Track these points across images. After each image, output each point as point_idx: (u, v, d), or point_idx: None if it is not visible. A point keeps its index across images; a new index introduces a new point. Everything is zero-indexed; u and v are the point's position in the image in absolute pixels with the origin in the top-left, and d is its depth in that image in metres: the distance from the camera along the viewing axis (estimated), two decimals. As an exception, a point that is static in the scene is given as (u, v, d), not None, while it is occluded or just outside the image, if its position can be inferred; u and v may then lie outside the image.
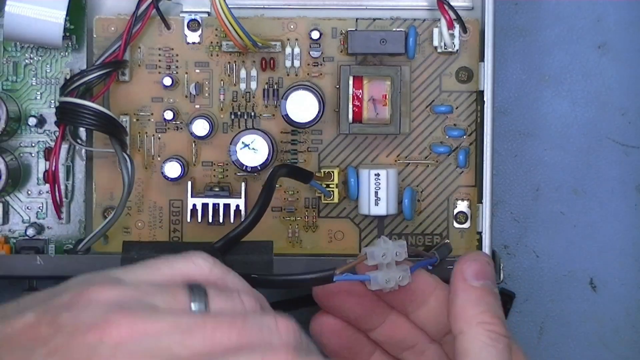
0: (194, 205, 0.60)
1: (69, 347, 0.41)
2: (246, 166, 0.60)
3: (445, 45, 0.60)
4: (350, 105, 0.59)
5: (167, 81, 0.61)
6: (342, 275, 0.52)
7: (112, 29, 0.61)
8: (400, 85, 0.60)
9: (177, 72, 0.61)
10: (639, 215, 0.67)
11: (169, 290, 0.44)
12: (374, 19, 0.61)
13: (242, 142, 0.60)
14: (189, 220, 0.61)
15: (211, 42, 0.61)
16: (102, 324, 0.41)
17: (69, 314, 0.42)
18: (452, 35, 0.60)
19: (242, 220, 0.56)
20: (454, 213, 0.61)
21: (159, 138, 0.61)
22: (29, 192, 0.62)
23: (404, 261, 0.53)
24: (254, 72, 0.61)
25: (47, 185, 0.61)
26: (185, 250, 0.57)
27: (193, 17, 0.61)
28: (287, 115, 0.59)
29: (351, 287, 0.55)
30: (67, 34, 0.60)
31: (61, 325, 0.42)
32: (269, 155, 0.59)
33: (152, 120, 0.61)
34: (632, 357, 0.67)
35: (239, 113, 0.61)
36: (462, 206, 0.61)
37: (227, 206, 0.60)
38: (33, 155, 0.62)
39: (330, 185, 0.61)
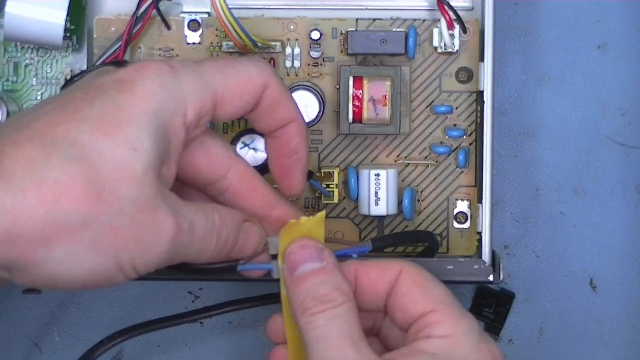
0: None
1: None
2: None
3: (445, 45, 0.60)
4: (350, 106, 0.59)
5: (167, 81, 0.60)
6: (244, 265, 0.52)
7: (113, 29, 0.61)
8: (400, 85, 0.60)
9: (177, 72, 0.61)
10: (639, 215, 0.67)
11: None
12: (374, 19, 0.61)
13: (242, 142, 0.60)
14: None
15: (211, 43, 0.61)
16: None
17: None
18: (452, 36, 0.60)
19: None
20: (454, 213, 0.61)
21: (159, 138, 0.61)
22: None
23: (336, 244, 0.54)
24: (254, 72, 0.61)
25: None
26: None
27: (193, 17, 0.61)
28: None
29: None
30: (68, 34, 0.60)
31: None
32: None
33: (152, 120, 0.61)
34: (632, 357, 0.67)
35: (239, 113, 0.61)
36: (462, 206, 0.61)
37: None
38: (33, 155, 0.62)
39: (330, 186, 0.61)
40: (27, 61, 0.62)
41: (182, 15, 0.61)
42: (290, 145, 0.53)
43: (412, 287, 0.51)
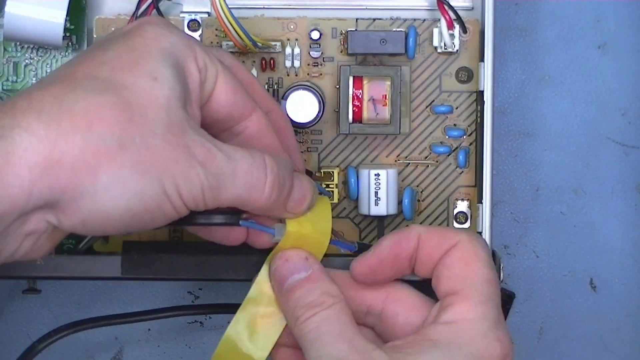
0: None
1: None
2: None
3: (445, 45, 0.60)
4: (350, 105, 0.59)
5: (167, 81, 0.60)
6: (247, 221, 0.52)
7: (112, 29, 0.61)
8: (400, 85, 0.60)
9: (177, 72, 0.61)
10: (639, 215, 0.67)
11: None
12: (374, 19, 0.61)
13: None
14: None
15: (211, 42, 0.61)
16: None
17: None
18: (452, 36, 0.60)
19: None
20: (454, 213, 0.61)
21: (159, 138, 0.61)
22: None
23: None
24: (254, 72, 0.61)
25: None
26: (184, 250, 0.57)
27: (193, 17, 0.61)
28: (287, 115, 0.59)
29: None
30: (67, 34, 0.60)
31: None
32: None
33: (152, 120, 0.61)
34: (632, 357, 0.67)
35: (239, 113, 0.61)
36: (462, 206, 0.61)
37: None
38: (33, 155, 0.62)
39: (330, 185, 0.61)
40: (26, 61, 0.62)
41: (182, 15, 0.61)
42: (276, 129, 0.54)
43: (456, 262, 0.51)
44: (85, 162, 0.45)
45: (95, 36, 0.61)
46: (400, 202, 0.61)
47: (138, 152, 0.45)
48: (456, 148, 0.61)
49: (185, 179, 0.47)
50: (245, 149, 0.49)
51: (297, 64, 0.61)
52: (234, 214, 0.52)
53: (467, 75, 0.61)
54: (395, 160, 0.61)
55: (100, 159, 0.45)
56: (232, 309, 0.63)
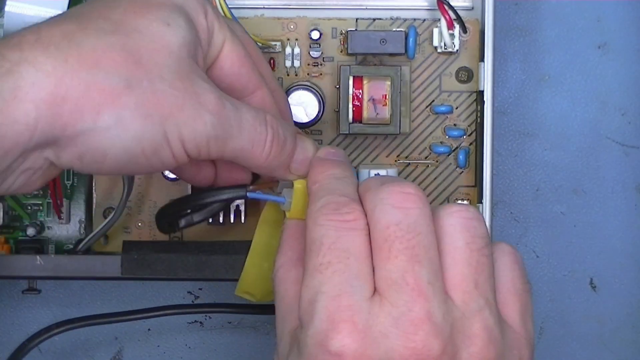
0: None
1: None
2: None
3: (445, 45, 0.60)
4: (350, 105, 0.59)
5: (167, 81, 0.60)
6: (254, 193, 0.51)
7: (112, 29, 0.60)
8: (400, 85, 0.60)
9: (177, 72, 0.61)
10: (639, 215, 0.67)
11: None
12: (374, 19, 0.61)
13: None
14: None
15: (211, 42, 0.61)
16: None
17: None
18: (452, 35, 0.60)
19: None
20: (454, 213, 0.61)
21: (159, 138, 0.61)
22: (29, 192, 0.62)
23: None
24: (254, 72, 0.61)
25: (48, 185, 0.61)
26: (184, 250, 0.57)
27: (193, 17, 0.61)
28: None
29: None
30: (67, 34, 0.60)
31: None
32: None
33: (152, 120, 0.61)
34: (632, 357, 0.67)
35: (239, 113, 0.61)
36: (462, 206, 0.61)
37: (227, 206, 0.60)
38: (33, 155, 0.62)
39: (330, 185, 0.61)
40: (27, 61, 0.61)
41: (182, 15, 0.61)
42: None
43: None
44: (89, 99, 0.44)
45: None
46: (400, 202, 0.61)
47: (144, 95, 0.45)
48: (456, 148, 0.61)
49: (191, 127, 0.46)
50: (250, 106, 0.49)
51: (297, 63, 0.61)
52: (239, 187, 0.51)
53: (467, 75, 0.61)
54: (395, 160, 0.61)
55: (105, 97, 0.45)
56: (232, 308, 0.63)
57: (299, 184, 0.51)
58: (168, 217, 0.54)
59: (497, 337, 0.46)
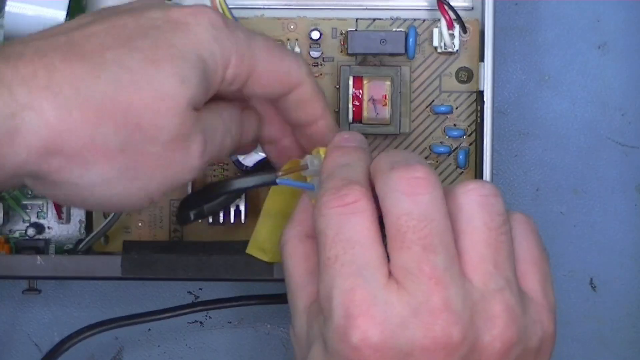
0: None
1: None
2: (246, 166, 0.60)
3: (445, 45, 0.60)
4: (350, 106, 0.59)
5: (167, 81, 0.60)
6: (284, 179, 0.51)
7: (112, 29, 0.60)
8: (400, 85, 0.60)
9: (177, 72, 0.61)
10: (639, 215, 0.67)
11: None
12: (374, 19, 0.61)
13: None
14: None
15: (211, 42, 0.61)
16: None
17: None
18: (452, 36, 0.60)
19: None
20: (454, 213, 0.61)
21: (159, 138, 0.61)
22: (30, 192, 0.62)
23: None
24: (254, 72, 0.61)
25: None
26: (184, 250, 0.57)
27: (193, 17, 0.61)
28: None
29: None
30: (67, 34, 0.60)
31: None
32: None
33: (152, 120, 0.61)
34: (632, 357, 0.67)
35: (239, 113, 0.61)
36: (462, 206, 0.61)
37: (227, 206, 0.60)
38: (33, 155, 0.62)
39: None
40: (27, 61, 0.61)
41: (182, 15, 0.61)
42: (316, 137, 0.53)
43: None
44: (81, 157, 0.45)
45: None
46: (400, 202, 0.61)
47: (134, 158, 0.46)
48: (456, 148, 0.61)
49: (179, 178, 0.48)
50: (216, 115, 0.50)
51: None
52: (268, 173, 0.51)
53: (467, 75, 0.61)
54: (395, 160, 0.61)
55: (97, 158, 0.45)
56: (232, 301, 0.63)
57: (324, 155, 0.51)
58: (194, 207, 0.55)
59: (518, 315, 0.46)
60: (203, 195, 0.55)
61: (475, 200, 0.47)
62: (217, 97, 0.50)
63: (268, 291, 0.64)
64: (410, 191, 0.45)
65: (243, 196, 0.60)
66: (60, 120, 0.44)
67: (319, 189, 0.50)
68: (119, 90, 0.45)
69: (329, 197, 0.46)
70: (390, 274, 0.45)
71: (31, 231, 0.61)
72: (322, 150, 0.51)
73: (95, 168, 0.46)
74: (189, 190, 0.60)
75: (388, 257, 0.46)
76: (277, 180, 0.51)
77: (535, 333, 0.47)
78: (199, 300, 0.67)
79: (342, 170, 0.48)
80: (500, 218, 0.47)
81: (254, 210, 0.61)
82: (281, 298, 0.63)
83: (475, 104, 0.61)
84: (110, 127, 0.45)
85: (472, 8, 0.61)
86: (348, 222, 0.46)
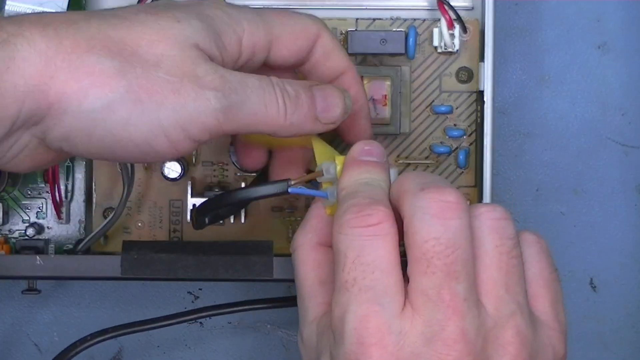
0: (194, 205, 0.60)
1: None
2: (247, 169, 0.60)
3: (445, 45, 0.60)
4: (350, 105, 0.59)
5: (167, 81, 0.60)
6: (297, 188, 0.51)
7: (112, 29, 0.60)
8: (400, 85, 0.60)
9: (177, 72, 0.61)
10: (639, 215, 0.67)
11: None
12: (374, 19, 0.61)
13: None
14: (188, 220, 0.61)
15: (211, 42, 0.61)
16: None
17: None
18: (452, 35, 0.60)
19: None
20: (454, 213, 0.61)
21: (159, 138, 0.61)
22: (29, 192, 0.62)
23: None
24: (254, 72, 0.61)
25: (47, 185, 0.61)
26: (184, 250, 0.57)
27: (193, 17, 0.61)
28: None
29: None
30: (67, 34, 0.60)
31: None
32: (268, 155, 0.59)
33: (152, 120, 0.61)
34: (632, 357, 0.67)
35: (239, 113, 0.61)
36: (462, 206, 0.61)
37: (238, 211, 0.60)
38: (33, 155, 0.62)
39: (330, 185, 0.61)
40: (27, 61, 0.61)
41: (182, 15, 0.61)
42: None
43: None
44: (76, 81, 0.45)
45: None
46: (400, 202, 0.61)
47: (136, 81, 0.45)
48: (456, 148, 0.61)
49: (191, 109, 0.46)
50: (251, 74, 0.49)
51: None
52: (281, 181, 0.51)
53: (467, 75, 0.61)
54: (396, 161, 0.61)
55: (93, 80, 0.45)
56: (233, 306, 0.62)
57: (340, 164, 0.50)
58: (208, 213, 0.55)
59: (529, 340, 0.46)
60: (216, 204, 0.55)
61: (486, 225, 0.46)
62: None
63: (268, 291, 0.64)
64: (441, 215, 0.44)
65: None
66: (50, 47, 0.44)
67: (332, 197, 0.50)
68: (111, 29, 0.45)
69: (351, 215, 0.45)
70: (406, 298, 0.45)
71: (31, 231, 0.61)
72: (338, 159, 0.50)
73: (94, 91, 0.45)
74: (189, 192, 0.60)
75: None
76: (290, 190, 0.51)
77: (546, 356, 0.47)
78: (199, 307, 0.67)
79: (364, 188, 0.47)
80: (511, 242, 0.46)
81: (253, 210, 0.61)
82: (283, 302, 0.63)
83: (475, 104, 0.61)
84: (103, 53, 0.45)
85: (472, 8, 0.61)
86: (370, 246, 0.45)
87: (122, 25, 0.46)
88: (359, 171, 0.48)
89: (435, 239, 0.44)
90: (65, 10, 0.58)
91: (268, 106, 0.48)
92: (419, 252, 0.44)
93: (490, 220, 0.46)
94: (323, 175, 0.51)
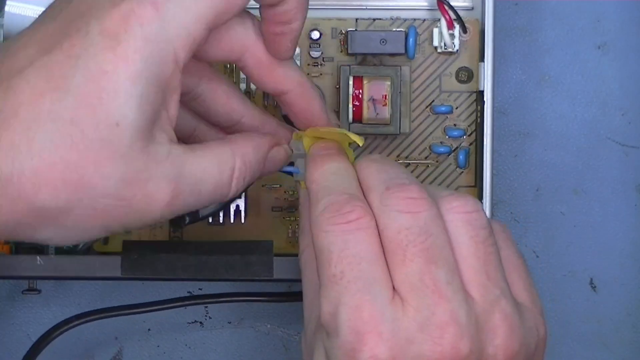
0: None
1: None
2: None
3: (445, 45, 0.60)
4: (350, 106, 0.59)
5: (167, 81, 0.60)
6: None
7: (112, 29, 0.60)
8: (400, 85, 0.60)
9: (177, 72, 0.61)
10: (639, 215, 0.67)
11: None
12: (374, 19, 0.61)
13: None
14: (187, 220, 0.61)
15: (211, 42, 0.61)
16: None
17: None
18: (452, 35, 0.60)
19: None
20: (454, 213, 0.61)
21: (159, 138, 0.61)
22: None
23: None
24: (254, 72, 0.61)
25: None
26: (184, 250, 0.57)
27: (193, 17, 0.61)
28: (287, 115, 0.59)
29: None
30: (67, 34, 0.60)
31: None
32: None
33: (152, 120, 0.61)
34: (632, 357, 0.67)
35: (239, 113, 0.61)
36: (462, 206, 0.61)
37: (225, 207, 0.60)
38: (33, 155, 0.61)
39: (330, 185, 0.61)
40: (27, 61, 0.61)
41: (182, 15, 0.61)
42: (286, 15, 0.50)
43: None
44: (26, 223, 0.44)
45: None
46: (400, 202, 0.61)
47: (83, 214, 0.45)
48: (456, 148, 0.61)
49: (136, 224, 0.46)
50: (215, 161, 0.48)
51: (297, 63, 0.61)
52: None
53: (467, 75, 0.61)
54: (395, 160, 0.61)
55: (42, 222, 0.44)
56: (232, 296, 0.62)
57: (307, 137, 0.51)
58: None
59: (517, 323, 0.46)
60: None
61: (459, 218, 0.47)
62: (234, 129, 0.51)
63: (268, 291, 0.64)
64: (408, 209, 0.46)
65: (243, 196, 0.60)
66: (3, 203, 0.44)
67: (303, 170, 0.51)
68: (54, 152, 0.44)
69: (330, 214, 0.46)
70: (394, 288, 0.45)
71: (31, 231, 0.61)
72: (303, 136, 0.51)
73: (44, 230, 0.45)
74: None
75: None
76: None
77: (532, 338, 0.47)
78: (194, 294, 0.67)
79: (334, 179, 0.48)
80: (485, 231, 0.47)
81: (253, 210, 0.61)
82: (280, 296, 0.63)
83: (475, 104, 0.61)
84: (48, 195, 0.44)
85: (472, 8, 0.61)
86: (354, 239, 0.45)
87: (64, 140, 0.44)
88: (322, 162, 0.49)
89: (407, 229, 0.45)
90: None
91: (214, 200, 0.49)
92: (394, 244, 0.45)
93: (463, 214, 0.47)
94: (293, 152, 0.52)
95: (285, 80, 0.51)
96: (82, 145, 0.44)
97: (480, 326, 0.45)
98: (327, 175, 0.49)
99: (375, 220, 0.46)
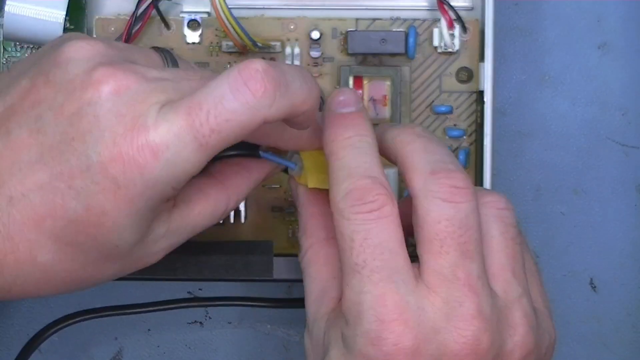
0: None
1: (71, 104, 0.44)
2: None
3: (445, 45, 0.60)
4: (350, 106, 0.59)
5: (167, 81, 0.60)
6: (267, 153, 0.51)
7: (112, 29, 0.60)
8: (400, 85, 0.60)
9: (177, 72, 0.61)
10: (639, 215, 0.67)
11: (143, 51, 0.48)
12: (374, 19, 0.61)
13: (242, 142, 0.60)
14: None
15: (211, 42, 0.61)
16: (94, 80, 0.44)
17: (60, 70, 0.45)
18: (452, 35, 0.60)
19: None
20: (454, 213, 0.61)
21: (159, 138, 0.61)
22: None
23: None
24: (254, 72, 0.61)
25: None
26: (184, 251, 0.57)
27: (193, 17, 0.61)
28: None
29: None
30: (67, 34, 0.60)
31: (57, 84, 0.44)
32: None
33: (152, 120, 0.61)
34: (632, 357, 0.67)
35: (239, 113, 0.61)
36: (462, 206, 0.61)
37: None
38: (33, 155, 0.62)
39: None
40: (26, 61, 0.61)
41: (181, 15, 0.61)
42: (299, 126, 0.49)
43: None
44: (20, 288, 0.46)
45: (94, 36, 0.61)
46: (400, 202, 0.61)
47: (78, 278, 0.48)
48: (456, 148, 0.61)
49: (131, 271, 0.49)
50: (209, 209, 0.49)
51: (297, 64, 0.61)
52: (252, 146, 0.51)
53: (467, 75, 0.61)
54: (395, 160, 0.61)
55: (40, 288, 0.47)
56: (232, 300, 0.62)
57: (306, 160, 0.51)
58: None
59: (534, 322, 0.47)
60: None
61: (491, 213, 0.48)
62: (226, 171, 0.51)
63: (268, 291, 0.64)
64: (452, 199, 0.46)
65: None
66: None
67: (298, 166, 0.51)
68: (59, 264, 0.46)
69: (353, 202, 0.46)
70: (417, 277, 0.46)
71: (31, 231, 0.61)
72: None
73: (40, 292, 0.47)
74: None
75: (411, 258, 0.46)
76: (261, 154, 0.51)
77: (544, 342, 0.48)
78: (195, 296, 0.67)
79: (356, 158, 0.47)
80: (515, 230, 0.48)
81: (253, 210, 0.61)
82: (280, 302, 0.63)
83: (475, 104, 0.61)
84: (49, 292, 0.47)
85: (472, 8, 0.61)
86: (376, 227, 0.45)
87: (65, 203, 0.45)
88: (343, 128, 0.49)
89: (447, 220, 0.45)
90: (64, 12, 0.58)
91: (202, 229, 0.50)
92: (432, 233, 0.45)
93: (496, 209, 0.48)
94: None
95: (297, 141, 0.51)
96: (82, 259, 0.46)
97: (502, 321, 0.46)
98: (348, 150, 0.48)
99: (417, 202, 0.46)
